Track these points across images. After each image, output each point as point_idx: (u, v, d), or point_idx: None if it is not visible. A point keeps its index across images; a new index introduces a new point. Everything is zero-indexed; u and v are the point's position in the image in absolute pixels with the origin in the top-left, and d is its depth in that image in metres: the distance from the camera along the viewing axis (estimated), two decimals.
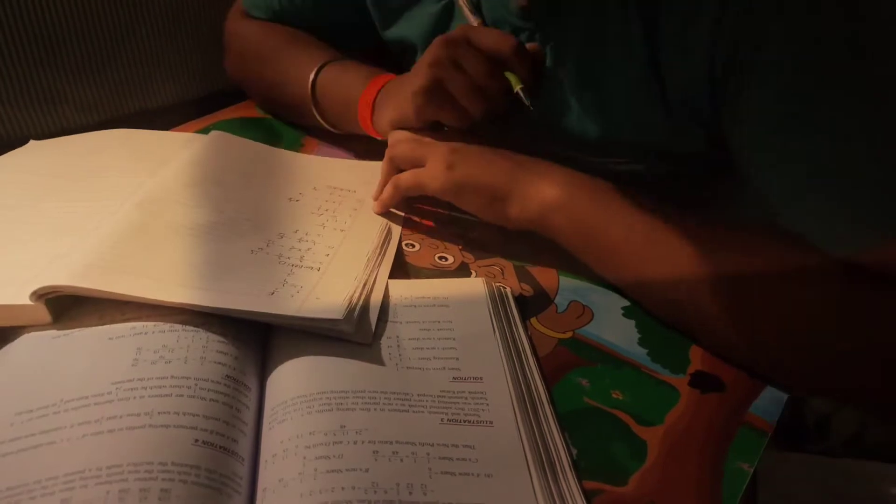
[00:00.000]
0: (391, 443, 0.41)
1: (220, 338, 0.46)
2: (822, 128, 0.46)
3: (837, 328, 0.46)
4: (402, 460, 0.40)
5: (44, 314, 0.47)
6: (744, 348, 0.50)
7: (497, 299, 0.53)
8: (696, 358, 0.51)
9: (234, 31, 0.84)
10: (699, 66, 0.51)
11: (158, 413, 0.39)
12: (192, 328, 0.46)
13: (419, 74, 0.59)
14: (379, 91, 0.68)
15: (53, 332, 0.46)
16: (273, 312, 0.47)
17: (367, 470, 0.39)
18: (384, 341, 0.48)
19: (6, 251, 0.53)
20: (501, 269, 0.59)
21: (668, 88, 0.55)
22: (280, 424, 0.42)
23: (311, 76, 0.72)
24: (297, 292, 0.51)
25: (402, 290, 0.54)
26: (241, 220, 0.60)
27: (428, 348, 0.49)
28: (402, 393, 0.45)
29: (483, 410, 0.45)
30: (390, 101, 0.66)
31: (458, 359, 0.48)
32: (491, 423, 0.44)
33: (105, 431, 0.38)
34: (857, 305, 0.46)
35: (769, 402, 0.48)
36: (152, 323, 0.46)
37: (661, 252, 0.51)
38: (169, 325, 0.45)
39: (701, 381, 0.49)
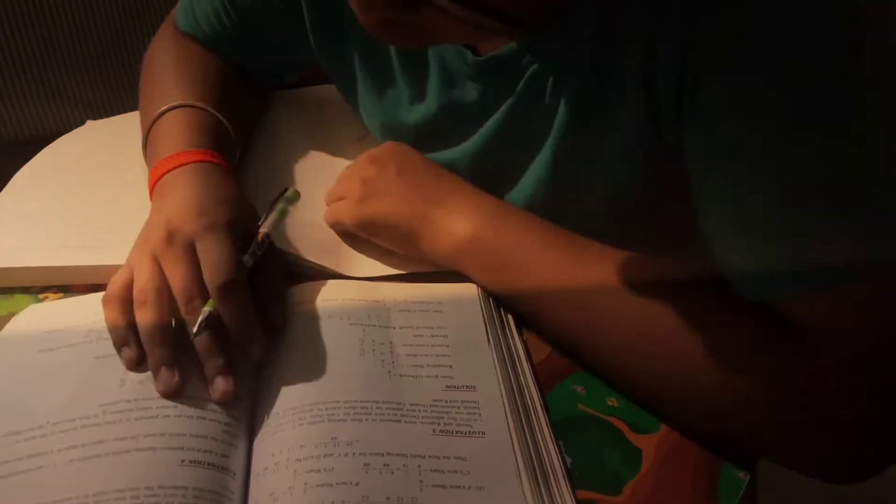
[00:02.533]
0: (382, 455, 0.41)
1: None
2: (763, 169, 0.42)
3: (735, 374, 0.42)
4: (392, 473, 0.40)
5: None
6: (647, 389, 0.47)
7: (491, 304, 0.53)
8: None
9: (154, 40, 0.74)
10: (668, 98, 0.47)
11: (144, 436, 0.39)
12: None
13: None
14: (169, 172, 0.54)
15: (38, 347, 0.46)
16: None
17: (357, 483, 0.39)
18: (377, 347, 0.48)
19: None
20: None
21: (664, 133, 0.50)
22: (272, 437, 0.42)
23: (155, 115, 0.61)
24: None
25: (396, 293, 0.54)
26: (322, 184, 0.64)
27: (421, 355, 0.48)
28: (395, 402, 0.44)
29: (475, 420, 0.44)
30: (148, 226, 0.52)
31: (451, 366, 0.48)
32: (483, 433, 0.43)
33: (92, 457, 0.38)
34: (758, 355, 0.42)
35: None
36: None
37: (573, 294, 0.48)
38: None
39: None
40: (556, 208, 0.55)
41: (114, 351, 0.45)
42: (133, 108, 0.78)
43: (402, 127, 0.64)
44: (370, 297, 0.52)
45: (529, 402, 0.45)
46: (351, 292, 0.53)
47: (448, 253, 0.53)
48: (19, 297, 0.52)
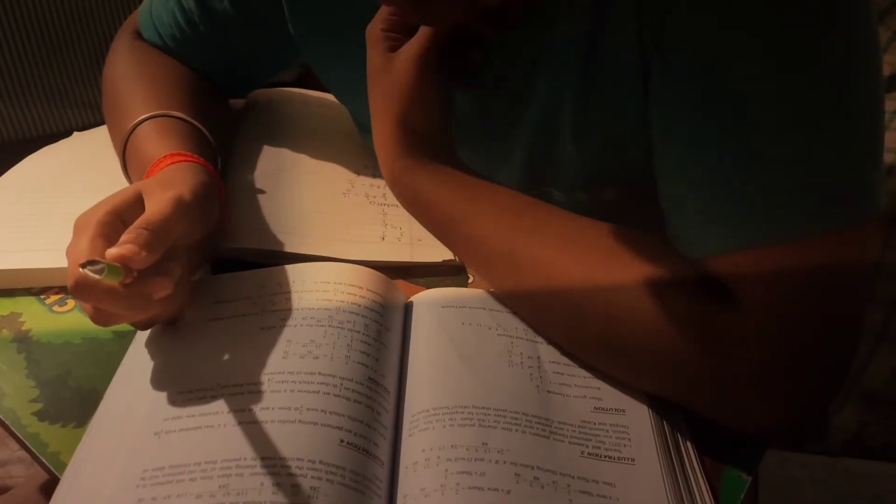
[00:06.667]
0: (532, 468, 0.40)
1: (363, 338, 0.45)
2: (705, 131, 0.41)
3: (662, 329, 0.42)
4: (542, 487, 0.39)
5: None
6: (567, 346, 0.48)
7: None
8: None
9: (112, 48, 0.70)
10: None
11: (307, 409, 0.39)
12: (337, 325, 0.45)
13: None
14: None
15: (210, 315, 0.46)
16: (396, 261, 0.57)
17: (508, 492, 0.38)
18: (525, 360, 0.47)
19: None
20: None
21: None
22: (422, 433, 0.41)
23: (129, 128, 0.57)
24: (401, 235, 0.59)
25: None
26: (321, 167, 0.67)
27: (568, 374, 0.47)
28: (543, 418, 0.43)
29: (625, 446, 0.43)
30: None
31: (599, 388, 0.46)
32: (633, 460, 0.42)
33: (258, 422, 0.38)
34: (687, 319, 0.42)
35: None
36: (300, 316, 0.46)
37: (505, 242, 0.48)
38: (316, 319, 0.45)
39: None
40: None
41: (276, 322, 0.45)
42: None
43: None
44: None
45: (678, 430, 0.44)
46: (498, 304, 0.52)
47: (389, 181, 0.51)
48: (21, 298, 0.52)
